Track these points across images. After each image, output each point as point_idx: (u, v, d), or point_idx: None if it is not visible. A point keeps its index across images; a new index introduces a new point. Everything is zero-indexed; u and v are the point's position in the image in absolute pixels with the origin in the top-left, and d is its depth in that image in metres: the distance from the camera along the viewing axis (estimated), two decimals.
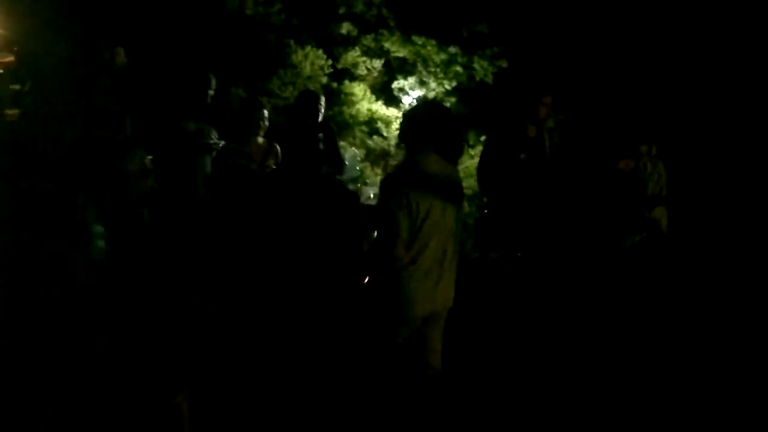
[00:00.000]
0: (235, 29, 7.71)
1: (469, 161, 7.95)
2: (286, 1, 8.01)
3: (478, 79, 8.69)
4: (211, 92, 5.31)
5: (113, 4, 6.61)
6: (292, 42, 7.75)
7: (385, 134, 8.21)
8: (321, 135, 5.51)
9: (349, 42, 8.41)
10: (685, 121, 8.35)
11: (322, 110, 6.21)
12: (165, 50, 6.90)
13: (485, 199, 5.74)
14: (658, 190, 7.02)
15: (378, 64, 8.49)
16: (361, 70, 8.34)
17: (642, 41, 8.46)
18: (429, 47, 8.31)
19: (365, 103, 8.03)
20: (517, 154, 5.11)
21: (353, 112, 7.97)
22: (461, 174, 7.78)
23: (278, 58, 7.69)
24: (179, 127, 5.10)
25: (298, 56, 7.65)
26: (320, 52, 7.80)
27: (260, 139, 4.96)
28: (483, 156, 5.41)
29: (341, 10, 8.34)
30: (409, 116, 3.70)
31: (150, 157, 2.92)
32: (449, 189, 3.52)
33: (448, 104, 8.58)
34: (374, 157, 8.25)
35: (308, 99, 6.00)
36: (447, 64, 8.43)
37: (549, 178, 5.39)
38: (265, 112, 5.08)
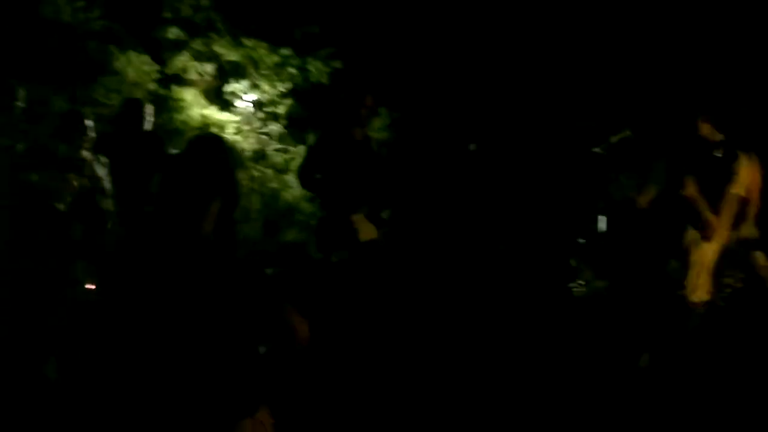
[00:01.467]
0: (54, 37, 7.35)
1: None
2: (108, 7, 7.70)
3: (313, 80, 8.69)
4: (20, 104, 5.04)
5: None
6: (113, 48, 7.45)
7: None
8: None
9: (177, 46, 8.19)
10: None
11: (148, 118, 6.03)
12: None
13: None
14: None
15: (209, 68, 8.32)
16: (192, 75, 8.15)
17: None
18: (260, 50, 8.23)
19: (197, 108, 7.85)
20: (341, 156, 5.15)
21: (184, 118, 7.77)
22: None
23: (100, 65, 7.38)
24: None
25: (121, 62, 7.37)
26: (145, 57, 7.55)
27: (85, 153, 4.81)
28: (306, 158, 5.45)
29: (167, 15, 8.11)
30: None
31: None
32: None
33: (283, 107, 8.55)
34: None
35: (131, 108, 5.82)
36: (279, 67, 8.37)
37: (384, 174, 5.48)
38: (88, 123, 4.91)
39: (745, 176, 4.61)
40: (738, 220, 4.87)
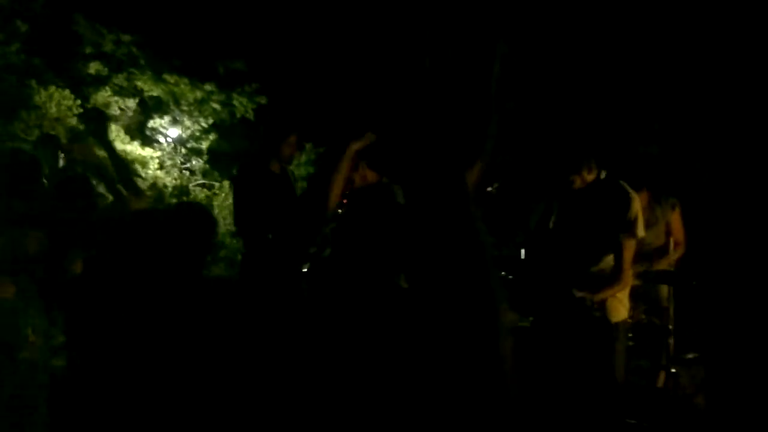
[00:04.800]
0: None
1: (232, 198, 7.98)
2: (27, 41, 7.61)
3: (239, 115, 8.76)
4: None
5: None
6: (34, 82, 7.37)
7: (143, 176, 8.00)
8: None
9: (99, 82, 8.15)
10: None
11: (62, 155, 5.94)
12: None
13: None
14: None
15: (132, 103, 8.30)
16: (114, 110, 8.10)
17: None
18: (182, 85, 8.25)
19: (119, 143, 7.79)
20: (262, 190, 5.19)
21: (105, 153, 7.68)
22: (227, 211, 7.86)
23: (20, 100, 7.28)
24: None
25: (41, 97, 7.28)
26: (66, 92, 7.48)
27: None
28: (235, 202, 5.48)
29: (88, 50, 8.07)
30: None
31: None
32: None
33: (206, 142, 8.57)
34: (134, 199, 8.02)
35: (47, 144, 5.74)
36: (201, 102, 8.41)
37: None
38: None
39: (640, 217, 4.52)
40: (650, 256, 5.11)
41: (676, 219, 5.52)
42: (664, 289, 5.16)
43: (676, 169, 6.66)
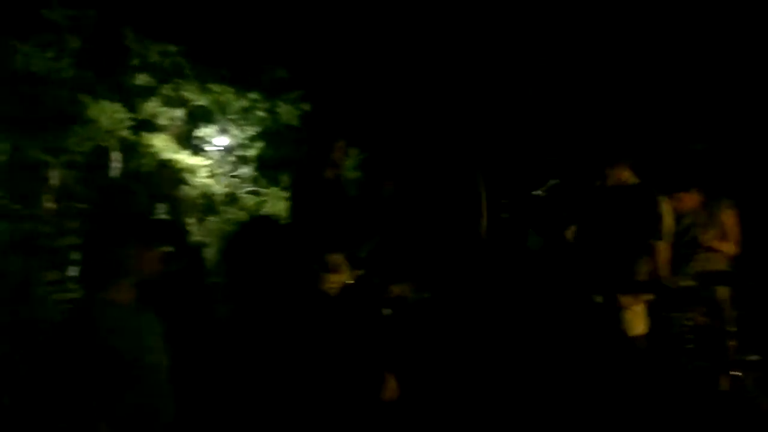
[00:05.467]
0: (24, 87, 7.39)
1: (281, 204, 8.08)
2: (78, 55, 7.76)
3: (283, 122, 8.85)
4: (3, 157, 5.08)
5: None
6: (86, 96, 7.51)
7: (192, 184, 8.14)
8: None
9: (147, 93, 8.27)
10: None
11: (115, 164, 6.06)
12: None
13: None
14: None
15: (180, 113, 8.40)
16: (163, 121, 8.22)
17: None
18: (228, 94, 8.35)
19: (168, 153, 7.92)
20: (319, 197, 5.26)
21: (155, 163, 7.85)
22: (276, 218, 7.96)
23: (73, 114, 7.43)
24: None
25: (94, 110, 7.42)
26: (117, 104, 7.61)
27: (49, 204, 4.83)
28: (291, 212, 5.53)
29: (136, 62, 8.20)
30: None
31: None
32: None
33: (253, 150, 8.67)
34: (184, 206, 8.19)
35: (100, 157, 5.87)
36: (246, 111, 8.50)
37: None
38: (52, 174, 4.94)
39: (669, 222, 4.42)
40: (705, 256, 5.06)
41: (730, 219, 5.47)
42: (722, 291, 5.13)
43: (728, 167, 6.59)
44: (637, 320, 4.35)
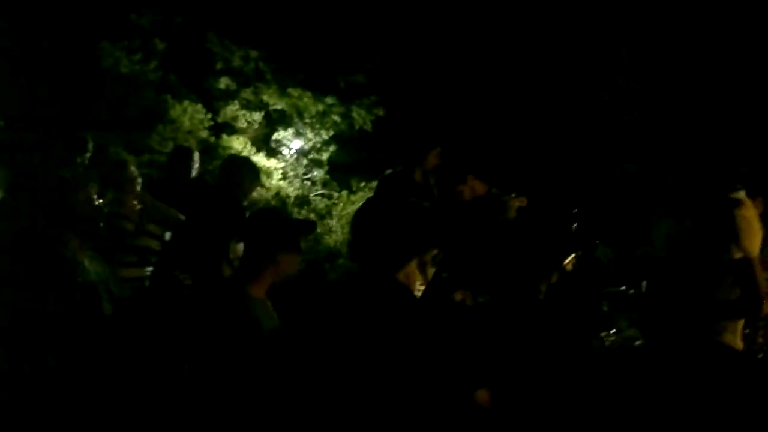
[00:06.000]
0: (112, 87, 7.76)
1: (351, 207, 8.22)
2: (163, 58, 8.10)
3: (357, 127, 9.01)
4: (88, 155, 5.31)
5: None
6: (169, 97, 7.84)
7: (267, 186, 8.37)
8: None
9: (228, 96, 8.57)
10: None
11: (196, 166, 6.26)
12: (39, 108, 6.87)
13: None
14: None
15: (258, 116, 8.67)
16: (241, 123, 8.50)
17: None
18: (305, 99, 8.56)
19: (246, 155, 8.17)
20: (404, 198, 5.30)
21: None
22: (345, 221, 8.08)
23: (157, 114, 7.76)
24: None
25: (176, 111, 7.75)
26: (199, 106, 7.92)
27: (133, 199, 4.98)
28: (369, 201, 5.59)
29: (219, 65, 8.50)
30: None
31: None
32: None
33: (326, 153, 8.85)
34: (257, 208, 8.40)
35: (180, 156, 6.05)
36: (323, 115, 8.71)
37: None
38: (133, 170, 5.10)
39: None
40: None
41: None
42: None
43: None
44: (731, 337, 4.21)
